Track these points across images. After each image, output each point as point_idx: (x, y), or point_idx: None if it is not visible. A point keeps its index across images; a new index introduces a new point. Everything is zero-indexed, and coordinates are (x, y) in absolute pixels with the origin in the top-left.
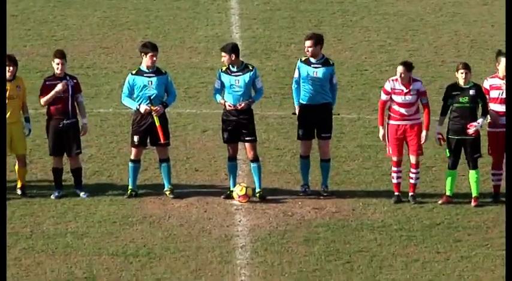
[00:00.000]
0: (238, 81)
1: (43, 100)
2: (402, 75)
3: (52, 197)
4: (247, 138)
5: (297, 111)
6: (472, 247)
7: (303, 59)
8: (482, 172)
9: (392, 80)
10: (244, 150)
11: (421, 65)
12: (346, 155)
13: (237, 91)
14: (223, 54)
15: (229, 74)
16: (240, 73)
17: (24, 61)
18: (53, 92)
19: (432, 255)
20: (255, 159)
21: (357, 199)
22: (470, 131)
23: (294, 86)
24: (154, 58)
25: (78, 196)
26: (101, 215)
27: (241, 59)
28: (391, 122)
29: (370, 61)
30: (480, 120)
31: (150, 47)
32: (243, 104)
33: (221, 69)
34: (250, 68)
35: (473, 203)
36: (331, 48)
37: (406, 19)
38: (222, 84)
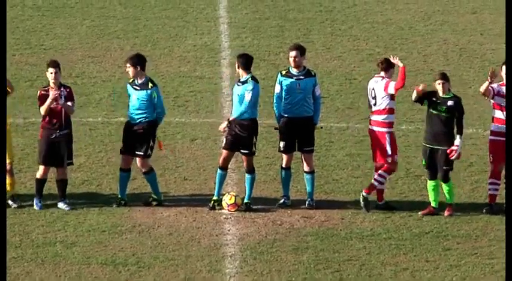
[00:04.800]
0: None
1: (42, 109)
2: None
3: (36, 208)
4: (242, 151)
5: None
6: (461, 256)
7: (283, 72)
8: (472, 180)
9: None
10: (235, 159)
11: (410, 74)
12: (335, 164)
13: (235, 101)
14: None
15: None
16: (241, 84)
17: (13, 70)
18: (48, 101)
19: (421, 264)
20: (249, 171)
21: (346, 207)
22: (454, 157)
23: (275, 101)
24: (127, 70)
25: (61, 208)
26: (90, 224)
27: (227, 68)
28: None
29: (359, 70)
30: (458, 141)
31: (126, 60)
32: (221, 128)
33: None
34: (248, 81)
35: (446, 213)
36: (320, 57)
37: (394, 28)
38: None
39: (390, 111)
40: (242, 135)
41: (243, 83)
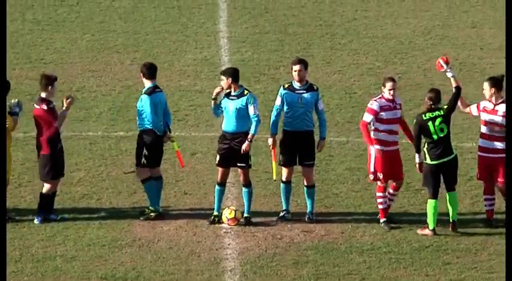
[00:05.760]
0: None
1: (61, 121)
2: (392, 92)
3: (36, 222)
4: (239, 164)
5: (270, 141)
6: (461, 270)
7: (286, 86)
8: (472, 194)
9: (378, 99)
10: (234, 173)
11: (410, 88)
12: (335, 178)
13: (230, 115)
14: (222, 77)
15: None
16: (235, 97)
17: (13, 84)
18: (67, 111)
19: (421, 278)
20: (246, 184)
21: (346, 221)
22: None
23: (274, 113)
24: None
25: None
26: (90, 238)
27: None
28: (380, 147)
29: (359, 84)
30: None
31: None
32: (244, 147)
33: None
34: (245, 93)
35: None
36: (320, 71)
37: (394, 42)
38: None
39: (375, 129)
40: (238, 149)
41: (238, 96)
